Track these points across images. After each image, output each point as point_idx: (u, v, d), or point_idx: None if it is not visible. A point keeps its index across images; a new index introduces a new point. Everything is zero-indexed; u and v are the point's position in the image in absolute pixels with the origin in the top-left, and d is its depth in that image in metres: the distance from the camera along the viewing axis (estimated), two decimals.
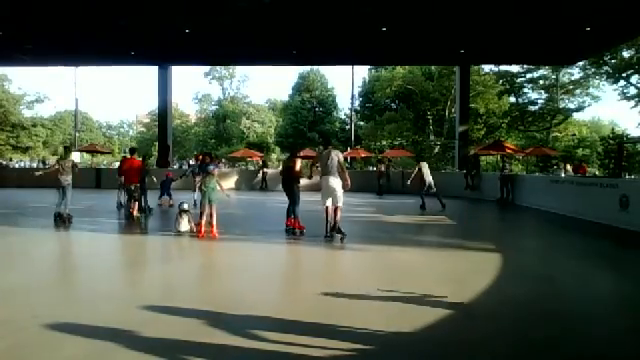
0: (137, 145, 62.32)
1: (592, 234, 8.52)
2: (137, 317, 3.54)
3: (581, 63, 28.89)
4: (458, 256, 6.26)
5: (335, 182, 7.16)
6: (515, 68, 33.45)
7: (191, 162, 12.74)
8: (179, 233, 7.56)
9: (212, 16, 14.07)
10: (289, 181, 7.78)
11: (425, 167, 12.12)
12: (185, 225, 7.64)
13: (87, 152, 29.29)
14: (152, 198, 11.63)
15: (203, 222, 7.35)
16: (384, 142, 36.53)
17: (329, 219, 7.33)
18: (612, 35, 16.54)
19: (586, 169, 17.43)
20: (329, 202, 7.27)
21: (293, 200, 7.72)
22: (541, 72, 33.60)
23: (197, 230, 7.40)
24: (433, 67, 34.36)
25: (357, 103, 38.42)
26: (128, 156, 10.87)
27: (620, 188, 9.03)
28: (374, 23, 14.79)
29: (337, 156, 7.24)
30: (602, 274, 5.48)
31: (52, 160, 11.68)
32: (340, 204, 7.24)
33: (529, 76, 34.17)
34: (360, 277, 5.09)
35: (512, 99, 35.05)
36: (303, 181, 8.18)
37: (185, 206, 7.71)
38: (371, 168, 31.38)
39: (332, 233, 7.22)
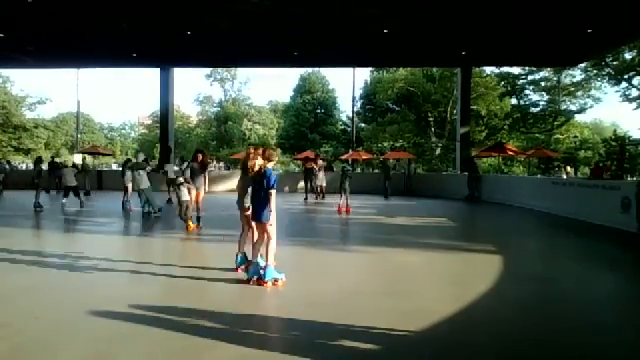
0: (139, 147, 62.47)
1: (593, 236, 8.49)
2: (140, 318, 3.55)
3: (583, 65, 28.78)
4: (459, 258, 6.25)
5: None
6: (516, 70, 33.34)
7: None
8: (181, 205, 7.85)
9: (213, 18, 14.10)
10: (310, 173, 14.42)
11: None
12: (186, 195, 7.89)
13: (89, 154, 29.37)
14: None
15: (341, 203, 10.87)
16: (385, 144, 36.48)
17: None
18: (614, 37, 16.50)
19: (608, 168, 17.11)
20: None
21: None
22: (543, 74, 33.51)
23: (338, 209, 10.85)
24: (435, 69, 34.31)
25: (358, 105, 38.44)
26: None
27: (622, 190, 9.00)
28: (376, 25, 14.79)
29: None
30: (603, 276, 5.46)
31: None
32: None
33: (530, 78, 34.08)
34: (361, 278, 5.08)
35: (513, 101, 34.97)
36: None
37: (181, 179, 8.01)
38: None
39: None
